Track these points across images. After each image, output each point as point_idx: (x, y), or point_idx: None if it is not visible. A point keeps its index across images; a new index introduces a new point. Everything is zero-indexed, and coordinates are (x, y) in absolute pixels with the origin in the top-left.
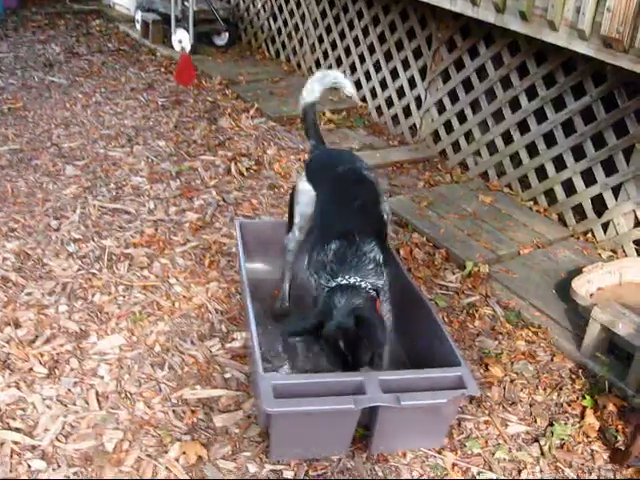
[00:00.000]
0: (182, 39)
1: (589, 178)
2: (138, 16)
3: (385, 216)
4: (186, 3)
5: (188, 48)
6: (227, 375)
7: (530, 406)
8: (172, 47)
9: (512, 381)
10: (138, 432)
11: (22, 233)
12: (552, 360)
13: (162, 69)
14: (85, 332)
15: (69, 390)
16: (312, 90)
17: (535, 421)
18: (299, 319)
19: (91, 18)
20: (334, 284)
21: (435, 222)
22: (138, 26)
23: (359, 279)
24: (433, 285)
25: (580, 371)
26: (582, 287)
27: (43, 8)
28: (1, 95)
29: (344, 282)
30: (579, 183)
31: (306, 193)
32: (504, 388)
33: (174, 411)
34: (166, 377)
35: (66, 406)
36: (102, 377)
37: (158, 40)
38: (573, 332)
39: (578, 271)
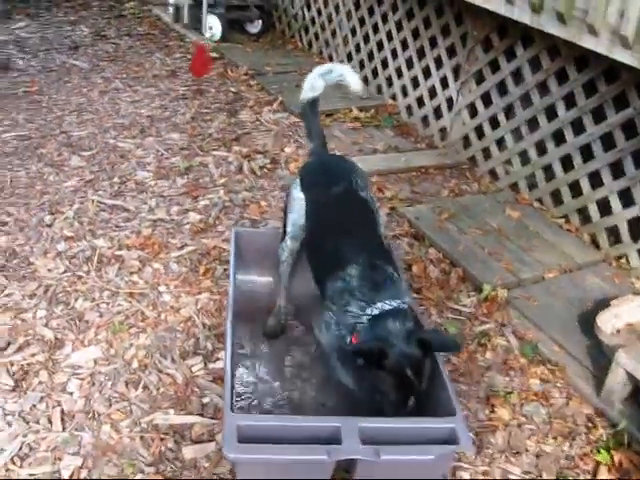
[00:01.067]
0: (213, 26)
1: (627, 199)
2: (172, 0)
3: (384, 240)
4: None
5: (218, 35)
6: (205, 400)
7: (537, 457)
8: (202, 33)
9: (519, 426)
10: (99, 459)
11: (13, 228)
12: (567, 404)
13: (189, 56)
14: (61, 341)
15: (34, 406)
16: (313, 86)
17: (540, 475)
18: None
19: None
20: (377, 311)
21: (455, 237)
22: (171, 10)
23: (400, 301)
24: (445, 308)
25: (598, 419)
26: (608, 322)
27: None
28: (19, 77)
29: (388, 307)
30: (616, 203)
31: (299, 202)
32: (510, 434)
33: (142, 437)
34: (139, 398)
35: (28, 424)
36: (71, 393)
37: (189, 25)
38: (594, 373)
39: (606, 303)
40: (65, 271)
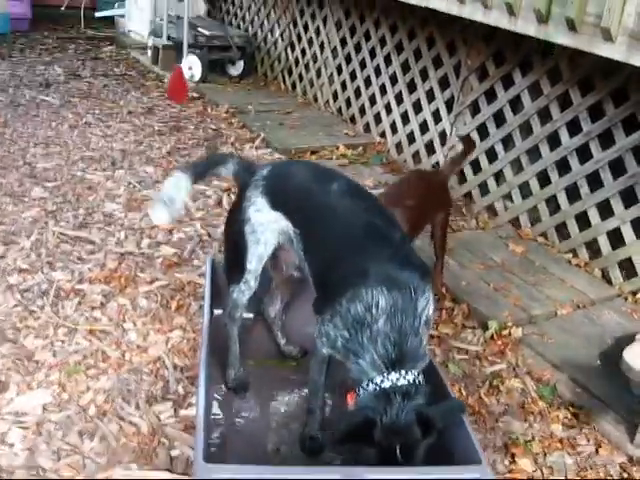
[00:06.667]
0: (192, 65)
1: None
2: (150, 42)
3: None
4: (200, 29)
5: (198, 76)
6: (174, 452)
7: None
8: None
9: (545, 478)
10: None
11: None
12: (597, 452)
13: (167, 95)
14: (4, 384)
15: None
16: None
17: None
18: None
19: (104, 44)
20: (388, 384)
21: (456, 272)
22: (150, 52)
23: (416, 372)
24: (450, 347)
25: (634, 468)
26: (637, 358)
27: (56, 33)
28: None
29: (402, 382)
30: (629, 234)
31: (269, 226)
32: None
33: None
34: (95, 450)
35: None
36: (11, 445)
37: (168, 66)
38: (625, 417)
39: (629, 338)
40: (16, 305)
